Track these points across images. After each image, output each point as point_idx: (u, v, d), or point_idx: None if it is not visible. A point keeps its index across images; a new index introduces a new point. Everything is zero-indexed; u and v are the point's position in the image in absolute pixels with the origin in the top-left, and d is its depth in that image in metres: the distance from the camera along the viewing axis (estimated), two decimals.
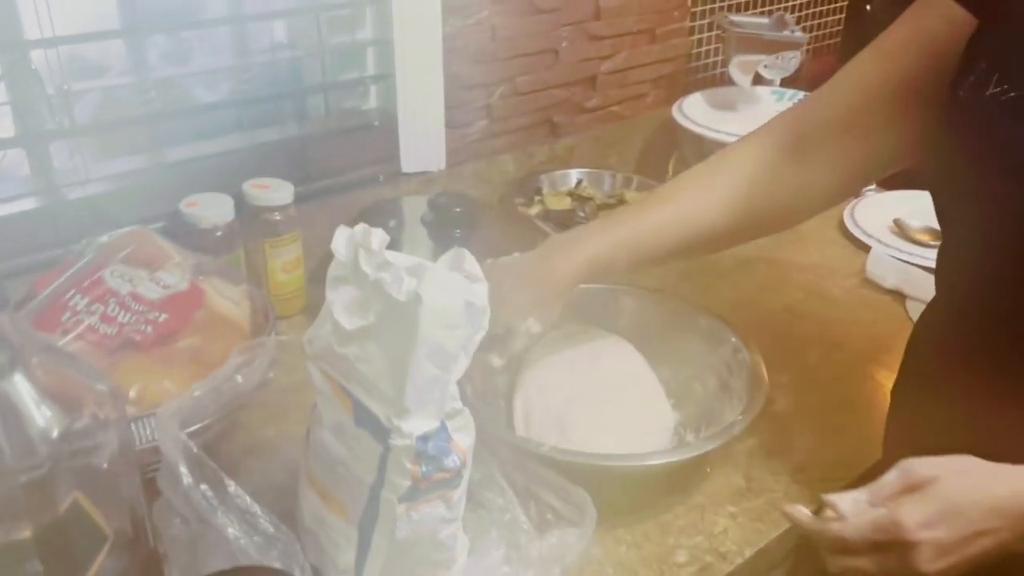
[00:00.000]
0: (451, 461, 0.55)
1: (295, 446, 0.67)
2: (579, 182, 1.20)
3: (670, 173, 1.29)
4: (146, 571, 0.54)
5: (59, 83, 0.88)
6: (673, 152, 1.29)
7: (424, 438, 0.53)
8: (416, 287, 0.51)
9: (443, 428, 0.54)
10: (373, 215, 1.00)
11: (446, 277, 0.52)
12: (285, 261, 0.94)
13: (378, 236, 0.55)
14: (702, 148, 1.21)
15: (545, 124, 1.22)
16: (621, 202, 1.15)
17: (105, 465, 0.50)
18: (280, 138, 1.03)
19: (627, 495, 0.72)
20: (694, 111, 1.24)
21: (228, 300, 0.79)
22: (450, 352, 0.52)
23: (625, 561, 0.68)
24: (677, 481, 0.75)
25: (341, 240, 0.55)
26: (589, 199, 1.17)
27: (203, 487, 0.56)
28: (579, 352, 0.82)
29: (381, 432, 0.53)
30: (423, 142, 1.09)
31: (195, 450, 0.56)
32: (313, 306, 1.00)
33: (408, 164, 1.09)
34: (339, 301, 0.55)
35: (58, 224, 0.87)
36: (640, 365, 0.82)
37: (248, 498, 0.56)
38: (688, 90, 1.32)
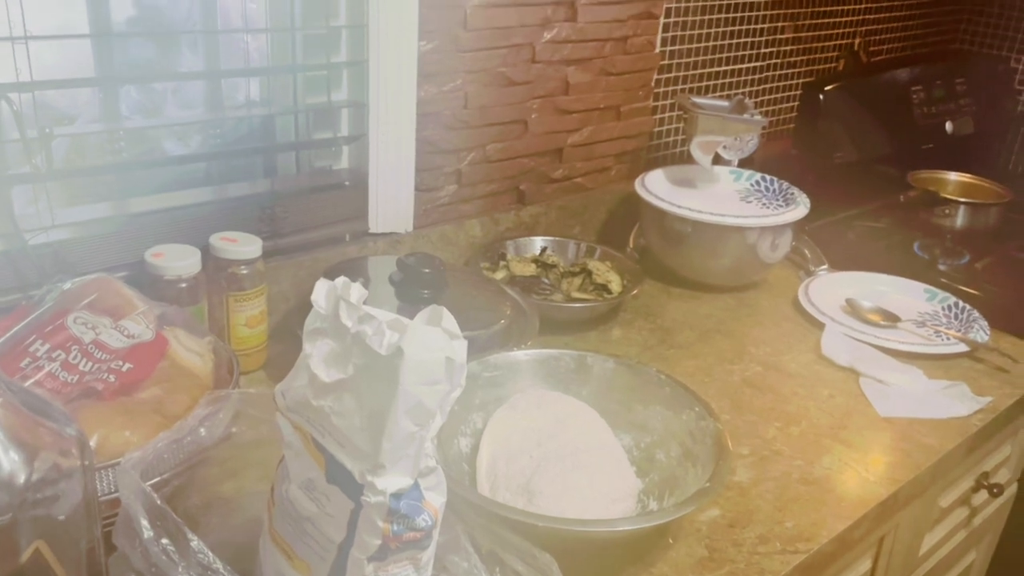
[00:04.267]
0: (423, 520, 0.54)
1: (255, 503, 0.65)
2: (544, 249, 1.22)
3: (631, 244, 1.32)
4: None
5: (28, 128, 0.87)
6: (635, 224, 1.32)
7: (397, 496, 0.52)
8: (398, 341, 0.51)
9: (416, 486, 0.54)
10: (339, 273, 1.00)
11: (428, 332, 0.52)
12: (249, 316, 0.93)
13: (357, 290, 0.55)
14: (663, 221, 1.24)
15: (512, 192, 1.24)
16: (584, 270, 1.17)
17: (63, 517, 0.49)
18: (249, 193, 1.03)
19: (592, 562, 0.71)
20: (656, 186, 1.28)
21: (191, 352, 0.78)
22: (429, 408, 0.52)
23: None
24: (641, 549, 0.75)
25: (321, 292, 0.55)
26: (553, 266, 1.18)
27: (164, 541, 0.54)
28: (545, 417, 0.82)
29: (354, 488, 0.52)
30: (392, 204, 1.10)
31: (159, 502, 0.55)
32: (274, 362, 0.98)
33: (376, 225, 1.10)
34: (317, 353, 0.55)
35: (18, 268, 0.85)
36: (605, 432, 0.83)
37: (211, 554, 0.54)
38: (650, 166, 1.36)
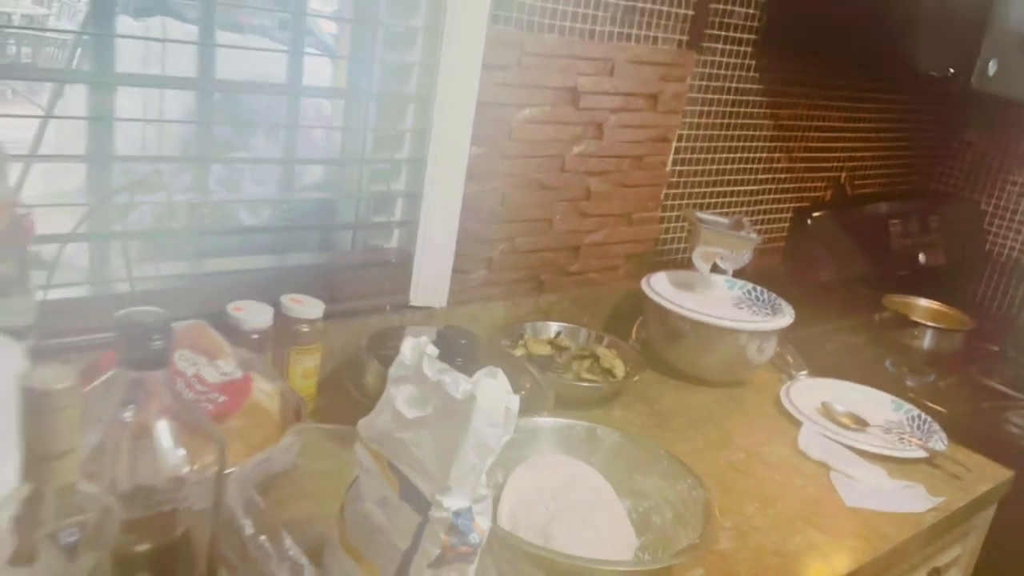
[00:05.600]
0: (473, 538, 0.67)
1: (322, 522, 0.78)
2: (558, 333, 1.37)
3: (633, 336, 1.47)
4: None
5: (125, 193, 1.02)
6: (638, 318, 1.48)
7: (457, 514, 0.65)
8: (472, 389, 0.65)
9: (470, 509, 0.67)
10: (383, 338, 1.15)
11: (494, 385, 0.66)
12: (306, 368, 1.07)
13: (432, 348, 0.70)
14: (664, 318, 1.40)
15: (533, 280, 1.40)
16: (593, 355, 1.32)
17: (199, 508, 0.62)
18: (311, 263, 1.19)
19: None
20: (659, 286, 1.44)
21: (265, 394, 0.91)
22: (489, 447, 0.66)
23: None
24: None
25: (407, 347, 0.70)
26: (565, 348, 1.33)
27: (262, 538, 0.67)
28: (559, 476, 0.95)
29: (423, 505, 0.66)
30: (431, 282, 1.25)
31: (262, 506, 0.68)
32: (320, 410, 1.12)
33: (416, 298, 1.25)
34: (400, 396, 0.69)
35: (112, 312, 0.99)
36: (610, 494, 0.96)
37: (300, 552, 0.67)
38: (655, 268, 1.52)
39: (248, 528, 0.67)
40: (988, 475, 1.27)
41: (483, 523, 0.68)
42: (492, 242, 1.32)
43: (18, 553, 0.49)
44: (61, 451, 0.49)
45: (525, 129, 1.28)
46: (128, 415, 0.56)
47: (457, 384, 0.66)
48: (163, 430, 0.58)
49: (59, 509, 0.50)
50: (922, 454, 1.27)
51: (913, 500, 1.16)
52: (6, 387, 0.53)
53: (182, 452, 0.58)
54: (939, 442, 1.31)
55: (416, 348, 0.70)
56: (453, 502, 0.65)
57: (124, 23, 0.98)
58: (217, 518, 0.63)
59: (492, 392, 0.65)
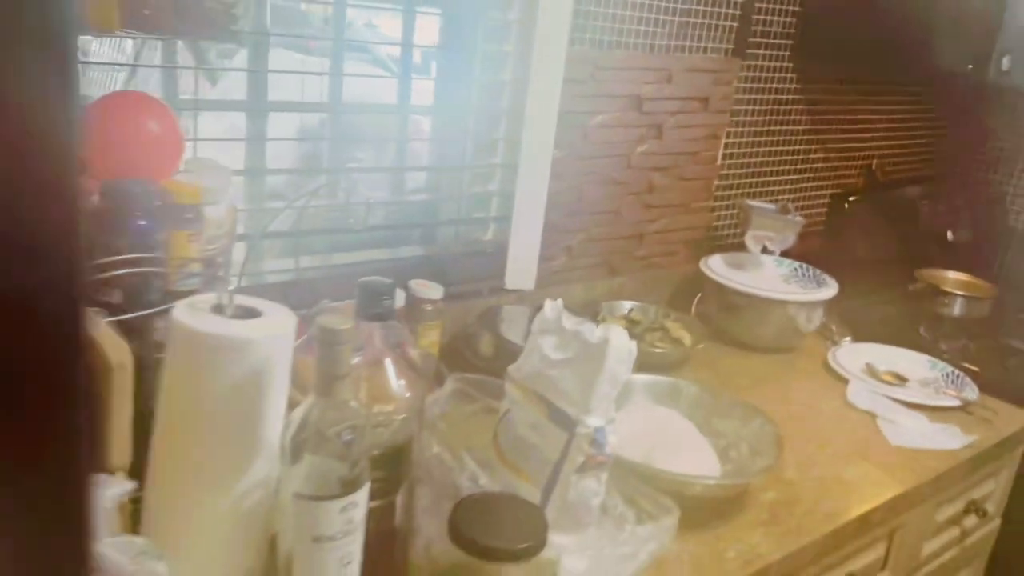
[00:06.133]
0: (608, 450, 0.87)
1: (480, 448, 0.98)
2: (630, 310, 1.57)
3: (693, 311, 1.67)
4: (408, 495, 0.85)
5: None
6: (697, 295, 1.67)
7: (597, 430, 0.86)
8: (605, 335, 0.85)
9: (604, 428, 0.87)
10: (487, 315, 1.36)
11: (620, 332, 0.86)
12: (430, 340, 1.27)
13: (559, 307, 0.90)
14: (722, 294, 1.59)
15: (606, 265, 1.60)
16: (662, 327, 1.52)
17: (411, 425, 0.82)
18: (421, 255, 1.39)
19: (689, 515, 1.03)
20: (716, 266, 1.63)
21: (415, 355, 1.12)
22: (619, 379, 0.86)
23: (693, 552, 0.98)
24: (722, 510, 1.07)
25: (548, 307, 0.90)
26: (638, 323, 1.53)
27: (446, 455, 0.87)
28: (653, 419, 1.15)
29: (570, 424, 0.86)
30: (522, 268, 1.46)
31: (444, 430, 0.88)
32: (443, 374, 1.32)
33: (509, 282, 1.45)
34: (546, 343, 0.89)
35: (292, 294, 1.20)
36: (694, 432, 1.16)
37: (473, 462, 0.87)
38: (710, 252, 1.71)
39: (435, 447, 0.88)
40: (1016, 419, 1.45)
41: (612, 440, 0.88)
42: (571, 232, 1.52)
43: (316, 446, 0.70)
44: (342, 374, 0.70)
45: (598, 133, 1.48)
46: (365, 355, 0.77)
47: (593, 332, 0.86)
48: (389, 366, 0.78)
49: (340, 416, 0.70)
50: (956, 403, 1.46)
51: (950, 439, 1.34)
52: (289, 342, 0.75)
53: (403, 382, 0.78)
54: (971, 392, 1.49)
55: (555, 308, 0.90)
56: (594, 421, 0.85)
57: (275, 57, 1.20)
58: (420, 433, 0.83)
59: (619, 338, 0.86)
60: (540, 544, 0.75)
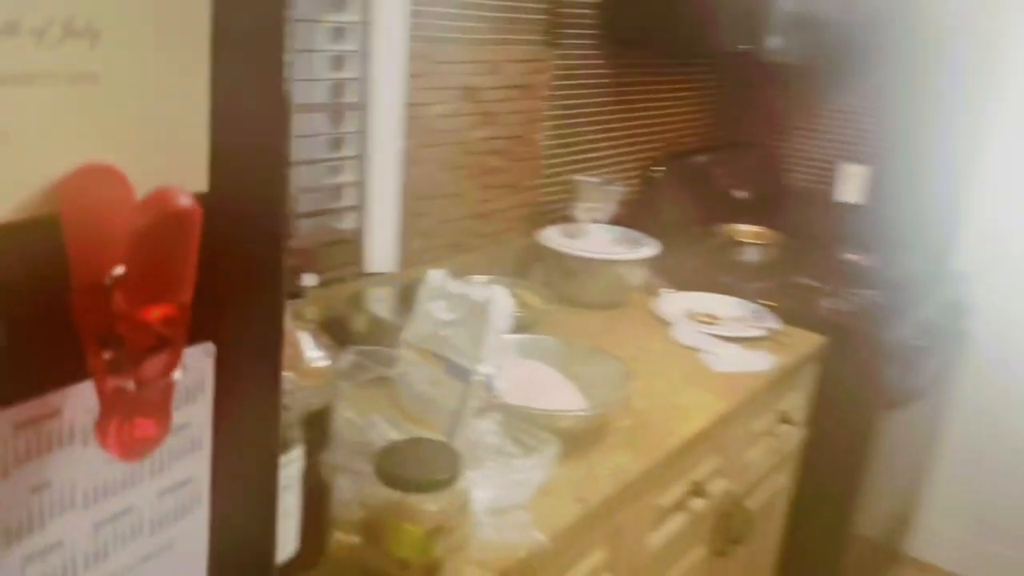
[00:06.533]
0: (498, 393, 1.01)
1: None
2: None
3: (537, 279, 1.84)
4: None
5: None
6: (536, 263, 1.85)
7: (490, 376, 0.99)
8: (489, 296, 0.99)
9: (494, 374, 1.01)
10: (356, 298, 1.46)
11: (502, 292, 1.00)
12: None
13: (444, 275, 1.03)
14: (560, 260, 1.77)
15: (457, 243, 1.74)
16: (515, 295, 1.67)
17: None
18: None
19: (568, 443, 1.19)
20: (552, 237, 1.81)
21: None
22: (502, 332, 1.00)
23: (573, 474, 1.15)
24: (590, 439, 1.24)
25: (435, 276, 1.03)
26: None
27: (358, 419, 0.98)
28: (523, 370, 1.30)
29: (465, 374, 0.99)
30: (383, 252, 1.56)
31: (349, 395, 0.98)
32: None
33: (372, 266, 1.55)
34: (435, 307, 1.02)
35: None
36: (559, 377, 1.32)
37: (381, 420, 0.98)
38: (544, 224, 1.89)
39: (345, 412, 0.98)
40: (810, 342, 1.74)
41: (502, 384, 1.02)
42: (424, 215, 1.64)
43: None
44: None
45: (439, 122, 1.61)
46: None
47: (477, 293, 1.00)
48: (307, 340, 0.88)
49: None
50: (763, 333, 1.72)
51: (760, 362, 1.60)
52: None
53: (319, 354, 0.88)
54: (773, 323, 1.77)
55: (440, 276, 1.03)
56: (486, 369, 0.99)
57: None
58: (336, 399, 0.93)
59: (501, 296, 1.00)
60: (457, 473, 0.88)
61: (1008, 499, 2.44)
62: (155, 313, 0.44)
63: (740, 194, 2.44)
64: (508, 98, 1.76)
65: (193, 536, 0.54)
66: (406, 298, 1.44)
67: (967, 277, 2.37)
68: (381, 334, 1.31)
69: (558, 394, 1.26)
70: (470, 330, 0.99)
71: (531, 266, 1.86)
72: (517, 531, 0.96)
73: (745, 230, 2.25)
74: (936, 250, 2.40)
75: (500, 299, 0.98)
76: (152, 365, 0.45)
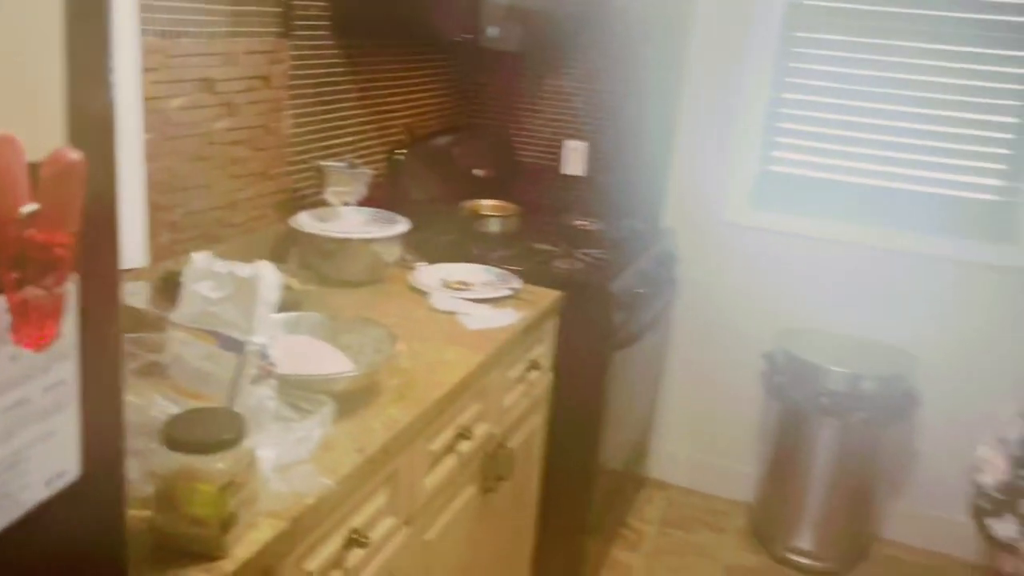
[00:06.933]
0: (272, 361, 1.09)
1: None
2: None
3: (291, 262, 1.90)
4: None
5: None
6: (292, 249, 1.91)
7: (263, 345, 1.07)
8: (256, 272, 1.06)
9: (267, 344, 1.08)
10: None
11: (268, 266, 1.08)
12: None
13: (209, 257, 1.09)
14: (315, 243, 1.85)
15: (208, 234, 1.75)
16: None
17: None
18: None
19: (343, 404, 1.29)
20: (305, 221, 1.88)
21: None
22: (271, 304, 1.08)
23: (350, 429, 1.25)
24: (362, 397, 1.35)
25: (199, 259, 1.08)
26: None
27: (133, 400, 1.01)
28: (291, 344, 1.38)
29: (239, 346, 1.06)
30: (132, 247, 1.55)
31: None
32: None
33: (123, 262, 1.54)
34: (203, 287, 1.07)
35: None
36: (327, 347, 1.41)
37: (160, 398, 1.03)
38: (297, 210, 1.95)
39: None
40: (549, 297, 1.96)
41: (275, 352, 1.10)
42: (171, 208, 1.64)
43: None
44: None
45: (179, 115, 1.62)
46: None
47: (243, 269, 1.06)
48: None
49: None
50: (509, 293, 1.92)
51: (508, 317, 1.79)
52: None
53: None
54: (517, 284, 1.97)
55: (204, 258, 1.08)
56: (259, 339, 1.07)
57: None
58: None
59: (268, 270, 1.08)
60: (242, 432, 0.96)
61: (722, 419, 2.88)
62: (59, 238, 0.63)
63: (480, 172, 2.64)
64: (249, 88, 1.80)
65: (69, 427, 0.70)
66: (163, 290, 1.45)
67: (673, 232, 2.75)
68: (144, 324, 1.32)
69: (328, 361, 1.35)
70: (239, 304, 1.06)
71: (288, 251, 1.92)
72: (304, 480, 1.05)
73: (487, 204, 2.45)
74: (648, 211, 2.76)
75: (266, 272, 1.05)
76: (52, 279, 0.64)
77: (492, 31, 1.97)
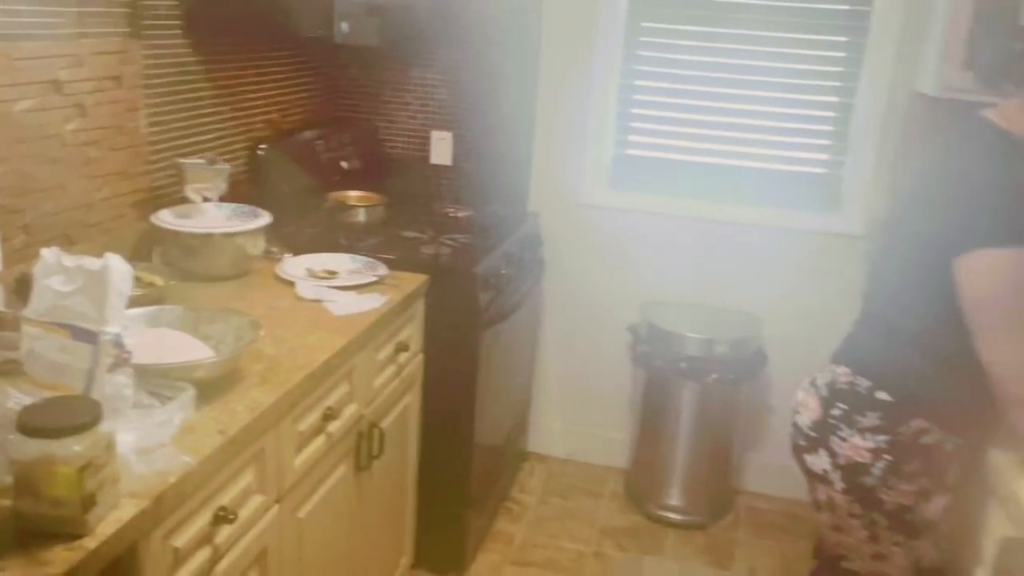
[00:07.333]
0: (128, 349, 1.13)
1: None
2: None
3: (155, 260, 1.91)
4: None
5: None
6: (154, 247, 1.92)
7: (117, 334, 1.11)
8: (106, 263, 1.10)
9: (121, 333, 1.13)
10: None
11: (118, 258, 1.12)
12: None
13: (58, 252, 1.13)
14: (179, 240, 1.87)
15: (64, 236, 1.75)
16: (135, 277, 1.74)
17: None
18: None
19: (207, 391, 1.34)
20: (167, 219, 1.90)
21: None
22: (123, 294, 1.12)
23: (213, 414, 1.30)
24: (226, 383, 1.40)
25: (49, 255, 1.11)
26: None
27: None
28: (150, 336, 1.42)
29: (93, 337, 1.10)
30: None
31: None
32: None
33: None
34: (54, 282, 1.10)
35: None
36: (188, 338, 1.45)
37: (15, 391, 1.06)
38: (157, 208, 1.96)
39: None
40: (414, 281, 2.05)
41: (130, 341, 1.15)
42: (23, 212, 1.64)
43: None
44: None
45: (26, 118, 1.62)
46: None
47: (93, 263, 1.10)
48: None
49: None
50: (375, 279, 1.99)
51: (374, 302, 1.86)
52: None
53: None
54: (383, 271, 2.04)
55: (53, 253, 1.12)
56: (113, 328, 1.11)
57: None
58: None
59: (117, 261, 1.12)
60: (98, 416, 1.00)
61: (594, 390, 3.04)
62: None
63: (346, 164, 2.70)
64: (99, 89, 1.81)
65: None
66: (17, 291, 1.46)
67: (538, 215, 2.88)
68: (0, 325, 1.33)
69: (188, 351, 1.39)
70: (91, 296, 1.09)
71: (151, 249, 1.93)
72: (165, 461, 1.11)
73: (353, 195, 2.51)
74: (514, 196, 2.88)
75: (116, 263, 1.10)
76: None
77: (343, 27, 2.03)
